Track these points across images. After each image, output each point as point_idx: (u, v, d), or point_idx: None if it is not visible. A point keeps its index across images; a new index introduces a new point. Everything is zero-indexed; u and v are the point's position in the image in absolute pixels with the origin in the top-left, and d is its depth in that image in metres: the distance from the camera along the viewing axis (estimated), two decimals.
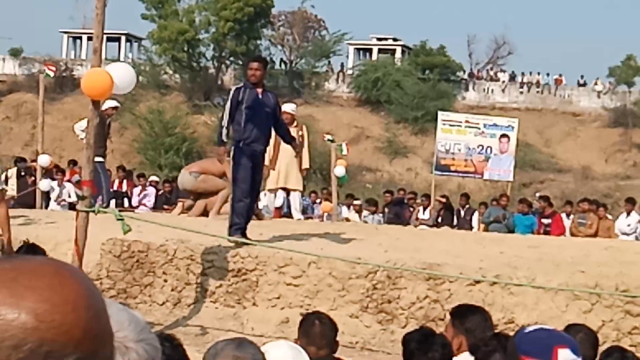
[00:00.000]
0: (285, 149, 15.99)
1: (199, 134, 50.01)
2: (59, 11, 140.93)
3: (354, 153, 22.23)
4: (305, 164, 16.58)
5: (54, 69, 21.82)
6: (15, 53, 59.39)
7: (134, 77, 9.38)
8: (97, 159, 16.49)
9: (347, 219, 20.76)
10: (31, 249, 8.30)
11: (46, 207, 17.39)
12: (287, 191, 16.47)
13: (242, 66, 56.33)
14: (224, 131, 10.96)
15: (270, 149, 16.23)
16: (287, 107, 16.61)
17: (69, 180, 20.64)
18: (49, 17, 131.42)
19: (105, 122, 16.49)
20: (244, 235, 10.80)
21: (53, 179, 19.65)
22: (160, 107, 48.12)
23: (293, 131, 15.43)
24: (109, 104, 16.64)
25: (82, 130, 16.36)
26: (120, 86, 9.08)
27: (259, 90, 11.05)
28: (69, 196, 20.16)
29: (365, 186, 41.88)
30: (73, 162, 23.09)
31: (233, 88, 11.34)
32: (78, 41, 65.72)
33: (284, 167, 16.16)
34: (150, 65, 55.32)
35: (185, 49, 53.81)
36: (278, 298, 10.21)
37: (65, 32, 65.91)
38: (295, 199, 16.66)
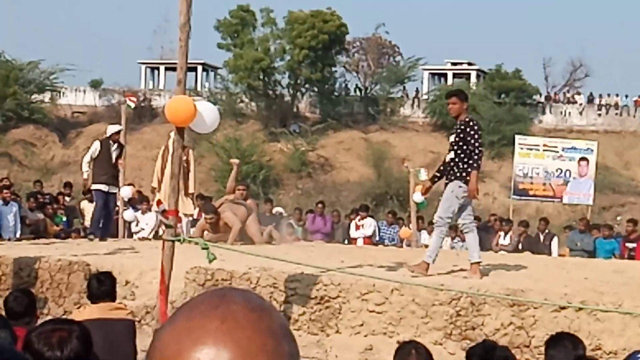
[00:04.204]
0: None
1: (276, 162, 50.20)
2: (137, 42, 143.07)
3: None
4: (191, 189, 16.50)
5: (134, 99, 22.18)
6: (95, 85, 60.28)
7: (217, 119, 9.48)
8: (96, 186, 16.68)
9: (426, 246, 20.65)
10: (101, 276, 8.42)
11: (129, 237, 17.61)
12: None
13: (317, 93, 56.57)
14: None
15: (158, 172, 16.31)
16: (112, 129, 16.83)
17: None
18: (127, 49, 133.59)
19: (109, 148, 16.67)
20: None
21: (136, 210, 19.89)
22: (237, 135, 48.42)
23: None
24: (113, 129, 16.87)
25: (88, 163, 16.64)
26: (200, 124, 9.18)
27: None
28: (147, 224, 20.41)
29: None
30: None
31: None
32: (156, 71, 66.54)
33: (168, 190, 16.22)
34: (227, 94, 55.76)
35: (261, 77, 54.17)
36: (361, 325, 10.21)
37: (144, 63, 66.78)
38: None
